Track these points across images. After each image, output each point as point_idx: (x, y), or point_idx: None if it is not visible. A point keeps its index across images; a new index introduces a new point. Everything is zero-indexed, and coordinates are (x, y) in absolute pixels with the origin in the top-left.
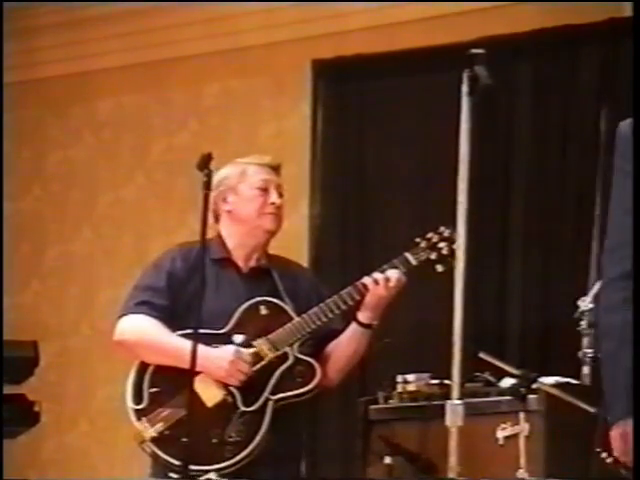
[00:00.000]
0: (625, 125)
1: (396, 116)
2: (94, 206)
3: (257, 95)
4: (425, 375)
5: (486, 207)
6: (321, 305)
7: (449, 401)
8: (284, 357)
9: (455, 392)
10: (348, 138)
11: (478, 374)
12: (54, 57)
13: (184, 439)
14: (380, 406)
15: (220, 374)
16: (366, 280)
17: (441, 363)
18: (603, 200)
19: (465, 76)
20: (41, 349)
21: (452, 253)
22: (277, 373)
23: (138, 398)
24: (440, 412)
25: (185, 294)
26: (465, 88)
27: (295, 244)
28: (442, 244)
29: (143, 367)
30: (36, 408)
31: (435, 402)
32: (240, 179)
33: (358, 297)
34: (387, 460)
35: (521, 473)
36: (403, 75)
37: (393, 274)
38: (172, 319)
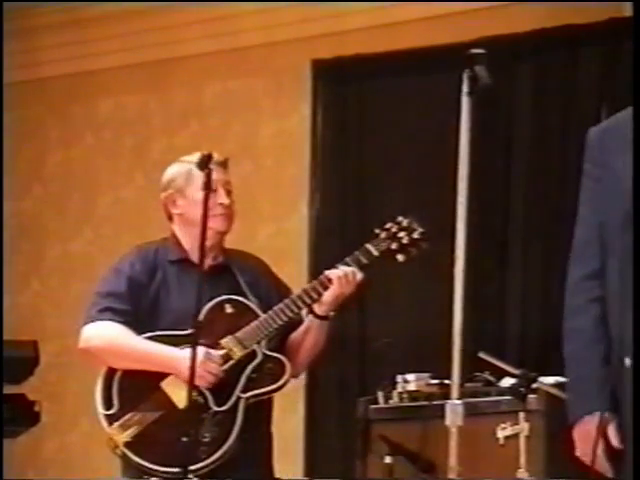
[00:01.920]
0: (595, 131)
1: (396, 116)
2: (94, 206)
3: (257, 95)
4: (425, 375)
5: (486, 207)
6: (286, 301)
7: (449, 401)
8: (253, 355)
9: (455, 392)
10: (348, 138)
11: (478, 374)
12: (54, 57)
13: (185, 436)
14: (380, 406)
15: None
16: (331, 273)
17: (441, 363)
18: None
19: (465, 76)
20: (41, 349)
21: (412, 242)
22: (247, 371)
23: (108, 403)
24: (440, 412)
25: (147, 297)
26: (465, 88)
27: (295, 244)
28: (401, 234)
29: (110, 372)
30: (36, 408)
31: (435, 402)
32: (187, 182)
33: (323, 291)
34: (387, 460)
35: (521, 473)
36: (403, 75)
37: (356, 270)
38: (135, 323)
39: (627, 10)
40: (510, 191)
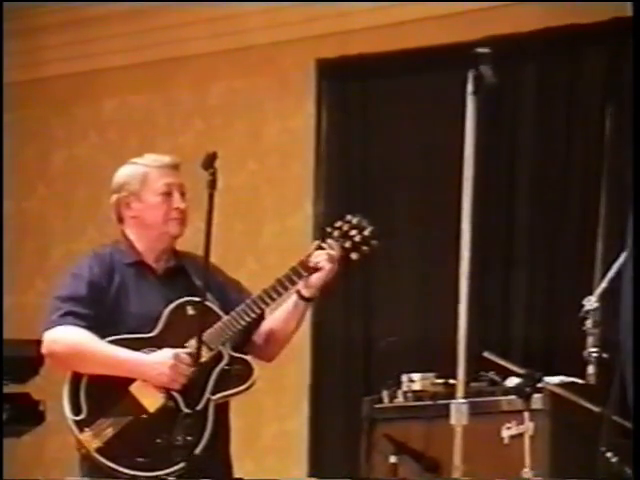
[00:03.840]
0: None
1: (400, 115)
2: (98, 206)
3: (261, 94)
4: (430, 374)
5: (491, 207)
6: (247, 301)
7: (454, 400)
8: (219, 356)
9: (460, 391)
10: (352, 137)
11: (483, 373)
12: (59, 56)
13: (158, 440)
14: (385, 405)
15: (162, 380)
16: (318, 258)
17: (446, 362)
18: (608, 199)
19: (470, 75)
20: None
21: (364, 240)
22: (214, 373)
23: (76, 409)
24: (445, 411)
25: (107, 300)
26: (470, 87)
27: (299, 243)
28: (353, 232)
29: (77, 377)
30: (41, 407)
31: (440, 401)
32: (142, 185)
33: (283, 291)
34: (392, 459)
35: (526, 472)
36: (407, 74)
37: (334, 250)
38: (97, 327)
39: (630, 10)
40: (515, 191)
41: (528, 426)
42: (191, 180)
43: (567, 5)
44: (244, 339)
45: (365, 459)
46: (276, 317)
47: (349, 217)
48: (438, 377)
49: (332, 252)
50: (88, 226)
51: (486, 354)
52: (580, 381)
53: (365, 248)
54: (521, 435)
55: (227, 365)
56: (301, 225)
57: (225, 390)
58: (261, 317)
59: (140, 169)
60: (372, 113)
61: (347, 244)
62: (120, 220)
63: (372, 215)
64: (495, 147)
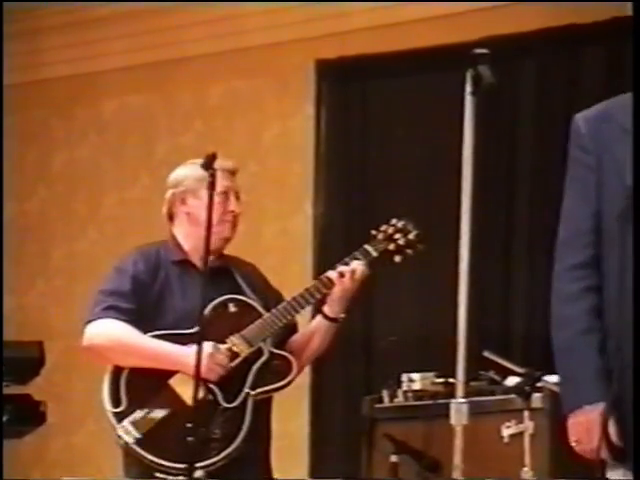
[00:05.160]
0: (582, 118)
1: (400, 116)
2: (99, 206)
3: (261, 95)
4: (430, 374)
5: (490, 206)
6: (290, 300)
7: (454, 400)
8: (259, 352)
9: (460, 391)
10: (352, 138)
11: (483, 372)
12: (59, 58)
13: (195, 433)
14: (385, 405)
15: (200, 370)
16: (331, 274)
17: (446, 362)
18: None
19: (469, 76)
20: (47, 349)
21: (408, 244)
22: (254, 368)
23: (116, 401)
24: (445, 411)
25: (150, 296)
26: (469, 88)
27: (299, 244)
28: (397, 235)
29: (117, 370)
30: (42, 408)
31: (440, 401)
32: (201, 183)
33: (325, 290)
34: (392, 458)
35: (526, 471)
36: (407, 75)
37: (357, 266)
38: (139, 322)
39: (630, 10)
40: (515, 190)
41: (528, 425)
42: None
43: (566, 5)
44: (285, 337)
45: (366, 459)
46: (302, 333)
47: (394, 220)
48: (438, 376)
49: (345, 268)
50: (89, 227)
51: (486, 353)
52: None
53: (409, 251)
54: (521, 434)
55: (267, 361)
56: (301, 226)
57: (264, 385)
58: (295, 326)
59: (200, 169)
60: (372, 114)
61: (391, 247)
62: (170, 217)
63: (372, 216)
64: (495, 147)
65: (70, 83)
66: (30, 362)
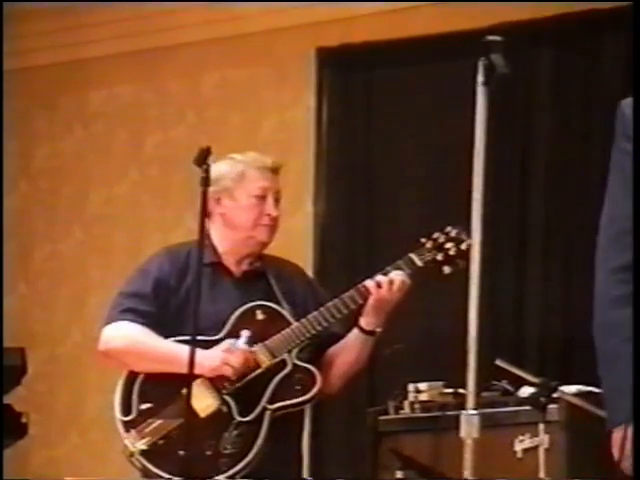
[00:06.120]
0: (626, 105)
1: (406, 107)
2: (85, 204)
3: (258, 85)
4: (438, 384)
5: (503, 204)
6: (321, 309)
7: (464, 411)
8: (282, 364)
9: (470, 402)
10: (355, 131)
11: (495, 383)
12: (42, 44)
13: (181, 451)
14: (391, 417)
15: (215, 364)
16: (368, 283)
17: (455, 371)
18: None
19: (480, 65)
20: (29, 357)
21: (460, 254)
22: (274, 381)
23: (127, 409)
24: (454, 423)
25: (174, 300)
26: (480, 77)
27: (299, 243)
28: (449, 244)
29: (132, 376)
30: (23, 420)
31: (449, 412)
32: (238, 183)
33: (361, 301)
34: (398, 474)
35: None
36: (414, 64)
37: (397, 276)
38: (159, 326)
39: None
40: (529, 188)
41: (543, 439)
42: (183, 176)
43: None
44: (314, 353)
45: (370, 474)
46: (338, 345)
47: (449, 228)
48: (447, 386)
49: (383, 278)
50: (74, 226)
51: (498, 362)
52: (598, 390)
53: (460, 262)
54: (535, 448)
55: (289, 374)
56: (301, 224)
57: (284, 400)
58: (338, 336)
59: (238, 166)
60: (376, 105)
61: (439, 257)
62: (208, 215)
63: (376, 214)
64: (507, 140)
65: (54, 71)
66: (11, 370)
